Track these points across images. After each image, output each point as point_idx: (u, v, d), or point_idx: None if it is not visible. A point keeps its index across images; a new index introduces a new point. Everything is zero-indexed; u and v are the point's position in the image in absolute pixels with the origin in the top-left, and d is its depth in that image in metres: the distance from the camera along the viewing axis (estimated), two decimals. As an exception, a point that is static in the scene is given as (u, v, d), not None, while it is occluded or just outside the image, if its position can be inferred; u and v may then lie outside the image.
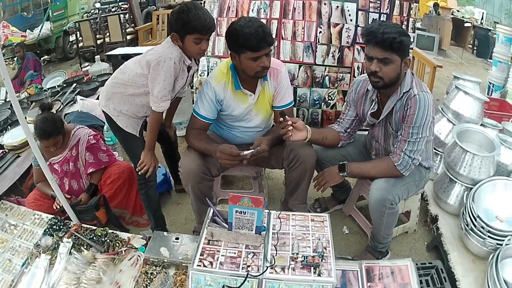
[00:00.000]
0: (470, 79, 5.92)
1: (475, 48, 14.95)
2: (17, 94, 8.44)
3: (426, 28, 14.98)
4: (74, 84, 7.99)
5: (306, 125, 3.89)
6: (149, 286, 3.51)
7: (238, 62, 3.76)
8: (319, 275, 2.88)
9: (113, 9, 17.34)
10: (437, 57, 11.82)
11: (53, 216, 4.42)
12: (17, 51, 11.43)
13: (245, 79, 3.96)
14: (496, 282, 3.18)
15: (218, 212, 3.37)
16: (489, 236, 3.67)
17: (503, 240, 3.59)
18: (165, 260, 3.65)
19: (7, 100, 8.75)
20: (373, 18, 5.37)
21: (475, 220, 3.78)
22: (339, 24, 5.42)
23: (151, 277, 3.57)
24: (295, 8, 5.50)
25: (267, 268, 2.95)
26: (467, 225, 3.86)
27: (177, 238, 3.83)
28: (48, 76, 10.16)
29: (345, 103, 4.28)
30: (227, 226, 3.18)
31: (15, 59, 11.63)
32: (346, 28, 5.41)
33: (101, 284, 3.65)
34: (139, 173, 4.07)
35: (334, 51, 5.49)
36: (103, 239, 4.05)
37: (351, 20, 5.40)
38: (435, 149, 4.83)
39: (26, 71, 11.06)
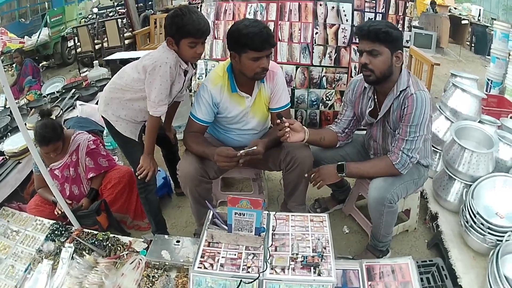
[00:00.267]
0: (468, 76, 5.94)
1: (472, 45, 14.97)
2: (17, 101, 8.44)
3: (423, 26, 14.99)
4: (73, 90, 8.01)
5: (304, 126, 3.90)
6: (151, 289, 3.53)
7: (238, 62, 3.76)
8: (319, 274, 2.90)
9: (110, 14, 17.40)
10: (435, 55, 11.84)
11: (55, 221, 4.45)
12: (15, 56, 11.41)
13: (241, 82, 3.97)
14: (497, 278, 3.19)
15: (218, 214, 3.38)
16: (489, 233, 3.68)
17: (503, 236, 3.59)
18: (167, 263, 3.66)
19: (7, 106, 8.76)
20: (368, 18, 5.39)
21: (475, 217, 3.79)
22: (335, 24, 5.44)
23: (153, 280, 3.59)
24: (291, 10, 5.52)
25: (265, 270, 2.97)
26: (467, 222, 3.86)
27: (178, 241, 3.84)
28: (47, 82, 10.14)
29: (342, 103, 4.28)
30: (226, 228, 3.19)
31: (14, 65, 11.63)
32: (342, 29, 5.43)
33: (103, 288, 3.67)
34: (139, 177, 4.08)
35: (331, 52, 5.51)
36: (104, 244, 4.08)
37: (347, 20, 5.42)
38: (433, 147, 4.83)
39: (24, 77, 11.06)
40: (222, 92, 3.98)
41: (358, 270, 3.43)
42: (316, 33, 5.49)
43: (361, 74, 3.70)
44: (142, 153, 4.06)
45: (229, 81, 3.97)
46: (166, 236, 3.98)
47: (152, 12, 15.07)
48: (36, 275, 3.96)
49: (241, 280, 2.91)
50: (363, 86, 3.92)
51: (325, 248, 3.10)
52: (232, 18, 5.61)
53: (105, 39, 13.41)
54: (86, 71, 12.27)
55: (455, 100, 4.99)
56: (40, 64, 13.80)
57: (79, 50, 13.77)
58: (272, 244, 3.19)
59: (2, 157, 5.82)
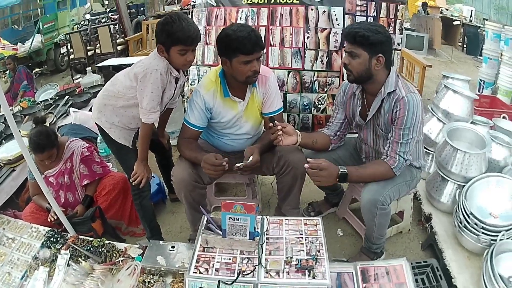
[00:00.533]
0: (459, 78, 5.97)
1: (465, 46, 14.98)
2: (10, 108, 8.42)
3: (415, 28, 15.01)
4: (67, 97, 7.98)
5: (296, 130, 3.92)
6: (147, 295, 3.54)
7: (230, 67, 3.80)
8: (313, 277, 2.92)
9: (103, 20, 17.39)
10: (427, 57, 11.91)
11: (50, 228, 4.43)
12: (8, 63, 11.37)
13: (234, 86, 4.00)
14: (491, 278, 3.21)
15: (212, 219, 3.39)
16: (483, 233, 3.70)
17: (497, 236, 3.61)
18: (162, 269, 3.67)
19: (1, 114, 8.76)
20: (359, 21, 5.39)
21: (469, 217, 3.81)
22: (326, 28, 5.45)
23: (149, 285, 3.59)
24: (282, 14, 5.53)
25: (254, 268, 2.99)
26: (461, 223, 3.88)
27: (173, 247, 3.85)
28: (40, 89, 10.11)
29: (334, 106, 4.31)
30: (221, 233, 3.21)
31: (7, 72, 11.61)
32: (334, 33, 5.44)
33: (100, 295, 3.67)
34: (133, 183, 4.10)
35: (323, 56, 5.52)
36: (100, 250, 4.08)
37: (338, 24, 5.43)
38: (426, 148, 4.87)
39: (19, 83, 11.03)
40: (215, 97, 4.00)
41: (352, 272, 3.43)
42: (308, 37, 5.51)
43: None
44: (136, 160, 4.08)
45: (221, 86, 4.00)
46: (161, 242, 4.00)
47: (144, 18, 15.06)
48: (32, 282, 3.96)
49: (219, 281, 2.92)
50: (354, 87, 3.95)
51: (319, 251, 3.12)
52: (224, 24, 5.62)
53: (98, 45, 13.39)
54: (79, 77, 12.22)
55: (447, 102, 5.02)
56: (33, 71, 13.77)
57: (72, 56, 13.75)
58: (266, 248, 3.20)
59: (-4, 164, 5.79)
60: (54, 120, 6.89)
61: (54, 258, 4.09)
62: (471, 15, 15.96)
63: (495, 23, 9.10)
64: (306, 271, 2.97)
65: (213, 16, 5.71)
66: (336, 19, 5.40)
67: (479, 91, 8.58)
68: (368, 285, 3.32)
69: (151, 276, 3.67)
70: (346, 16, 5.41)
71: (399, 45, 5.51)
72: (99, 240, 4.21)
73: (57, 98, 8.30)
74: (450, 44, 14.93)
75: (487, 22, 9.71)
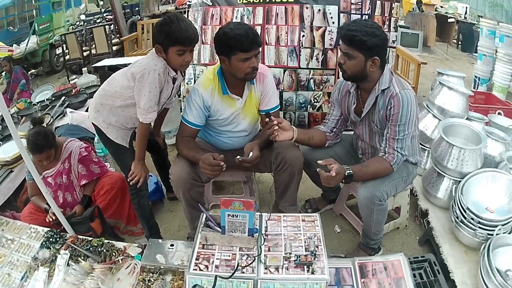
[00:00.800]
0: (454, 74, 5.98)
1: (459, 43, 15.02)
2: (7, 109, 8.44)
3: (410, 25, 15.02)
4: (63, 97, 7.95)
5: (292, 126, 3.95)
6: (147, 293, 3.56)
7: (228, 65, 3.82)
8: (312, 273, 2.93)
9: (98, 21, 17.30)
10: (421, 54, 11.94)
11: (49, 229, 4.43)
12: (4, 65, 11.29)
13: (232, 84, 4.03)
14: (489, 271, 3.23)
15: (211, 216, 3.41)
16: (479, 227, 3.73)
17: (494, 230, 3.64)
18: (162, 267, 3.69)
19: (-4, 116, 8.77)
20: (355, 20, 5.40)
21: (465, 212, 3.83)
22: (321, 27, 5.52)
23: (149, 284, 3.60)
24: (277, 13, 5.59)
25: (254, 259, 3.02)
26: (457, 218, 3.91)
27: (172, 245, 3.87)
28: (36, 90, 10.05)
29: (330, 103, 4.33)
30: (220, 230, 3.22)
31: (3, 73, 11.57)
32: (329, 31, 5.49)
33: (100, 294, 3.68)
34: (131, 183, 4.12)
35: (318, 54, 5.57)
36: (99, 249, 4.07)
37: (333, 22, 5.49)
38: (421, 144, 4.88)
39: (17, 83, 10.98)
40: (213, 95, 4.03)
41: (351, 268, 3.47)
42: (303, 36, 5.56)
43: None
44: (133, 159, 4.10)
45: (220, 84, 4.02)
46: (160, 240, 4.00)
47: (139, 18, 15.03)
48: (32, 282, 3.95)
49: (216, 276, 2.93)
50: (349, 85, 3.97)
51: (317, 247, 3.13)
52: (219, 23, 5.67)
53: (93, 46, 13.37)
54: (75, 78, 12.20)
55: (442, 98, 5.04)
56: (29, 72, 13.69)
57: (67, 57, 13.70)
58: (265, 244, 3.22)
59: (-6, 165, 5.78)
60: (51, 120, 6.84)
61: (53, 258, 4.08)
62: (465, 12, 16.02)
63: (490, 20, 9.11)
64: (305, 266, 2.98)
65: (209, 16, 5.77)
66: (331, 18, 5.45)
67: (474, 87, 8.63)
68: (366, 280, 3.35)
69: (151, 274, 3.68)
70: (341, 15, 5.46)
71: (394, 42, 5.55)
72: (98, 239, 4.20)
73: (53, 99, 8.25)
74: (445, 41, 14.97)
75: (482, 19, 9.77)
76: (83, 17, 17.94)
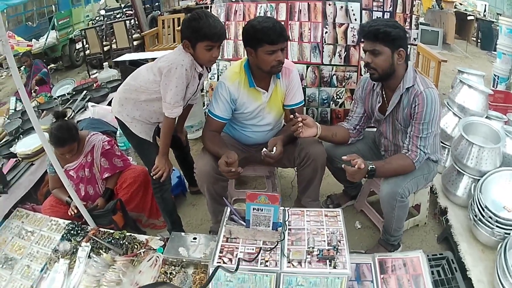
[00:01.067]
0: (474, 73, 5.96)
1: (479, 40, 14.90)
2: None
3: (429, 22, 14.92)
4: (84, 91, 8.02)
5: (316, 122, 3.99)
6: (169, 285, 3.59)
7: (255, 57, 3.88)
8: (334, 267, 2.96)
9: (118, 16, 17.31)
10: (441, 52, 11.83)
11: (70, 221, 4.48)
12: (24, 60, 11.27)
13: (259, 77, 4.08)
14: (505, 270, 3.25)
15: (236, 210, 3.44)
16: (497, 226, 3.73)
17: (511, 229, 3.65)
18: (184, 260, 3.73)
19: (17, 109, 8.81)
20: (377, 17, 5.44)
21: (483, 210, 3.84)
22: (344, 24, 5.52)
23: (171, 277, 3.65)
24: (300, 10, 5.60)
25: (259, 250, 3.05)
26: (476, 216, 3.91)
27: (194, 238, 3.93)
28: (57, 84, 10.07)
29: (353, 101, 4.36)
30: (244, 223, 3.26)
31: (22, 68, 11.56)
32: (351, 28, 5.50)
33: (121, 286, 3.73)
34: (154, 177, 4.15)
35: (341, 51, 5.59)
36: (121, 242, 4.13)
37: (355, 19, 5.50)
38: (442, 142, 4.88)
39: (38, 72, 11.06)
40: (239, 88, 4.08)
41: (370, 263, 3.51)
42: (326, 32, 5.57)
43: None
44: (156, 154, 4.12)
45: (246, 76, 4.08)
46: (182, 234, 4.06)
47: (159, 13, 15.05)
48: (52, 274, 4.00)
49: (217, 267, 2.96)
50: (372, 83, 4.00)
51: (339, 242, 3.15)
52: (243, 19, 5.70)
53: (114, 40, 13.36)
54: (96, 73, 12.27)
55: (463, 96, 5.04)
56: (49, 67, 13.72)
57: (87, 52, 13.71)
58: (288, 239, 3.25)
59: (15, 159, 5.84)
60: (72, 114, 6.90)
61: (74, 250, 4.14)
62: (484, 10, 15.87)
63: (509, 18, 9.03)
64: (327, 261, 3.00)
65: (232, 12, 5.80)
66: (353, 14, 5.46)
67: (493, 86, 8.54)
68: (385, 276, 3.39)
69: (173, 267, 3.74)
70: (363, 12, 5.46)
71: (415, 40, 5.54)
72: (120, 232, 4.26)
73: (74, 93, 8.31)
74: (464, 39, 14.86)
75: (501, 17, 9.69)
76: (102, 12, 17.82)
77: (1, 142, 6.77)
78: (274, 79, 4.13)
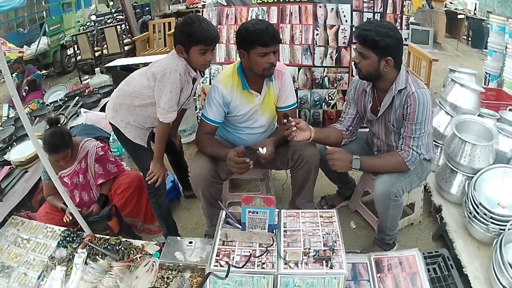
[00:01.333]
0: (466, 71, 5.99)
1: (469, 39, 14.94)
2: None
3: (420, 22, 14.97)
4: (77, 98, 7.99)
5: (309, 125, 3.99)
6: (166, 290, 3.60)
7: (247, 59, 3.89)
8: (331, 267, 2.97)
9: (108, 21, 17.31)
10: (432, 51, 11.90)
11: (66, 228, 4.48)
12: (16, 67, 11.23)
13: (251, 80, 4.09)
14: (501, 266, 3.27)
15: (231, 213, 3.44)
16: (492, 222, 3.75)
17: (506, 225, 3.66)
18: (180, 264, 3.73)
19: (10, 116, 8.80)
20: (367, 18, 5.49)
21: (478, 207, 3.86)
22: (334, 25, 5.56)
23: (168, 281, 3.65)
24: (291, 12, 5.64)
25: (266, 249, 3.07)
26: (470, 213, 3.93)
27: (190, 242, 3.92)
28: (49, 90, 10.03)
29: (345, 102, 4.38)
30: (240, 226, 3.26)
31: (15, 75, 11.51)
32: (342, 29, 5.54)
33: (119, 291, 3.72)
34: (149, 182, 4.15)
35: (332, 52, 5.62)
36: (117, 248, 4.13)
37: (346, 21, 5.53)
38: (435, 141, 4.90)
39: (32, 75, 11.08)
40: (232, 90, 4.09)
41: (367, 263, 3.53)
42: (317, 34, 5.61)
43: None
44: (151, 159, 4.13)
45: (239, 79, 4.09)
46: (178, 238, 4.05)
47: (150, 17, 15.05)
48: (49, 281, 4.00)
49: (209, 273, 2.99)
50: (364, 84, 4.01)
51: (335, 242, 3.16)
52: (234, 22, 5.73)
53: (105, 46, 13.37)
54: (87, 78, 12.27)
55: (455, 95, 5.06)
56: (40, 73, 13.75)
57: (79, 57, 13.68)
58: (284, 240, 3.26)
59: (9, 166, 5.80)
60: (65, 121, 6.88)
61: (70, 257, 4.14)
62: (475, 8, 15.92)
63: (499, 16, 9.06)
64: (324, 261, 3.02)
65: (224, 15, 5.84)
66: (344, 16, 5.49)
67: (484, 84, 8.57)
68: (382, 275, 3.41)
69: (170, 271, 3.73)
70: (354, 13, 5.50)
71: (405, 40, 5.56)
72: (116, 238, 4.25)
73: (66, 99, 8.30)
74: (455, 37, 14.91)
75: (491, 15, 9.71)
76: (93, 17, 17.83)
77: (-5, 149, 6.71)
78: (267, 81, 4.14)
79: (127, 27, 13.87)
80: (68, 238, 4.36)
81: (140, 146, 4.20)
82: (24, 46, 14.78)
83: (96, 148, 4.76)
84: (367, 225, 4.76)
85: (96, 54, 13.32)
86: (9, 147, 6.27)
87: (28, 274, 4.22)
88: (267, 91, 4.18)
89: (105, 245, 4.17)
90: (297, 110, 5.66)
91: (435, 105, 5.16)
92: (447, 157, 4.55)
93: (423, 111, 3.57)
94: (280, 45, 5.35)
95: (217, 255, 3.14)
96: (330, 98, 5.81)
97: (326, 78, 5.72)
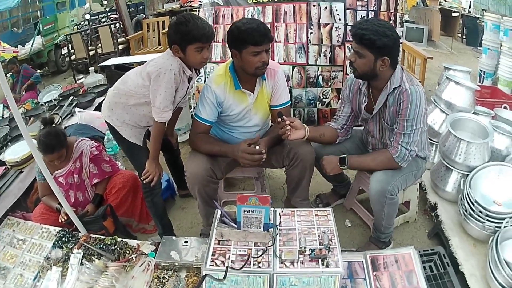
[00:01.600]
0: (460, 69, 6.01)
1: (464, 37, 14.95)
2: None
3: (414, 20, 14.98)
4: (71, 97, 7.99)
5: (304, 124, 3.99)
6: (162, 289, 3.60)
7: (239, 59, 3.88)
8: (327, 266, 2.98)
9: (102, 20, 17.30)
10: (427, 48, 11.93)
11: (61, 228, 4.47)
12: (11, 68, 11.27)
13: (244, 79, 4.07)
14: (497, 263, 3.28)
15: (226, 212, 3.44)
16: (487, 220, 3.77)
17: (502, 223, 3.68)
18: (176, 264, 3.72)
19: (4, 117, 8.78)
20: (361, 16, 5.50)
21: (473, 205, 3.88)
22: (328, 24, 5.57)
23: (163, 281, 3.64)
24: (286, 11, 5.66)
25: (265, 250, 3.06)
26: (466, 211, 3.95)
27: (186, 242, 3.92)
28: (43, 90, 10.03)
29: (340, 100, 4.38)
30: (235, 226, 3.26)
31: (9, 74, 11.49)
32: (336, 28, 5.55)
33: (114, 291, 3.72)
34: (144, 182, 4.14)
35: (326, 51, 5.63)
36: (113, 248, 4.11)
37: (340, 19, 5.54)
38: (430, 139, 4.89)
39: (28, 78, 11.15)
40: (225, 90, 4.08)
41: (362, 261, 3.54)
42: (311, 33, 5.62)
43: None
44: (146, 158, 4.11)
45: (232, 79, 4.07)
46: (174, 237, 4.05)
47: (144, 16, 15.04)
48: (45, 282, 3.99)
49: (227, 267, 2.99)
50: (359, 83, 4.01)
51: (331, 241, 3.17)
52: (231, 22, 5.70)
53: (99, 45, 13.36)
54: (82, 78, 12.21)
55: (449, 93, 5.07)
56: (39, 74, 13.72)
57: (73, 57, 13.67)
58: (280, 239, 3.26)
59: (4, 167, 5.81)
60: (60, 120, 6.85)
61: (66, 257, 4.12)
62: (469, 6, 15.92)
63: (494, 14, 9.07)
64: (320, 260, 3.02)
65: (220, 15, 5.87)
66: (338, 14, 5.51)
67: (479, 81, 8.59)
68: (378, 273, 3.41)
69: (165, 271, 3.73)
70: (347, 11, 5.51)
71: (400, 38, 5.57)
72: (111, 238, 4.24)
73: (60, 99, 8.31)
74: (450, 35, 14.91)
75: (486, 13, 9.71)
76: (87, 16, 17.81)
77: (-11, 150, 6.69)
78: (260, 80, 4.13)
79: (121, 26, 13.85)
80: (63, 239, 4.34)
81: (135, 145, 4.19)
82: (19, 45, 14.73)
83: (91, 148, 4.74)
84: (363, 223, 4.75)
85: (90, 53, 13.33)
86: (4, 148, 6.30)
87: (24, 275, 4.20)
88: (260, 90, 4.17)
89: (101, 245, 4.15)
90: (292, 109, 5.69)
91: (430, 103, 5.16)
92: (442, 155, 4.55)
93: (415, 107, 3.57)
94: (275, 44, 5.40)
95: (212, 255, 3.14)
96: (324, 96, 5.82)
97: (320, 77, 5.73)
